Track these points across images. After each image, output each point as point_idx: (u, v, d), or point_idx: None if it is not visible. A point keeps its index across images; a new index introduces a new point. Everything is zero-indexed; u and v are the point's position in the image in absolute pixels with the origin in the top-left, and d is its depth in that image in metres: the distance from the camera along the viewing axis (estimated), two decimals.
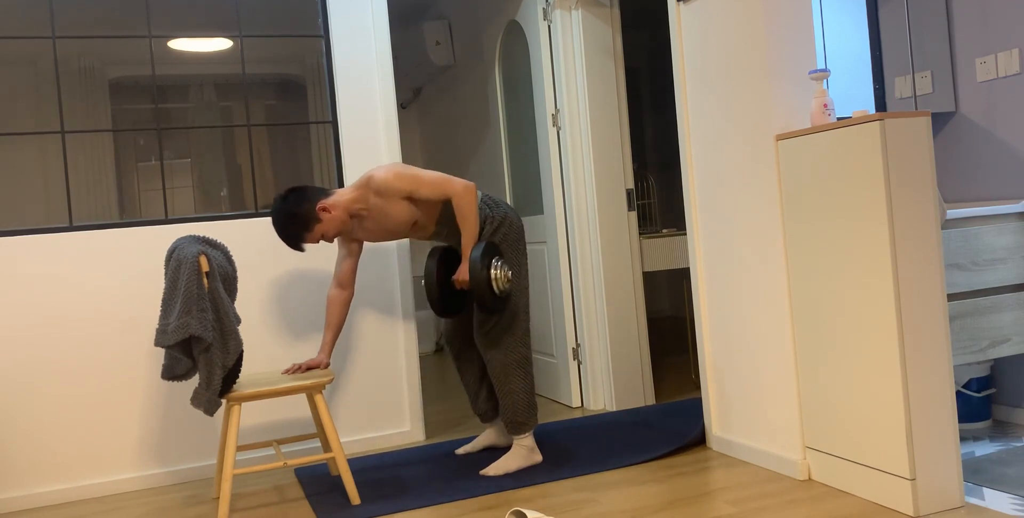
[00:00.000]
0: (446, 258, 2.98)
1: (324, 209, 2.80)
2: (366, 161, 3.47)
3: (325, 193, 2.84)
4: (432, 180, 2.82)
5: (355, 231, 2.93)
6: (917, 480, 2.28)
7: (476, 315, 2.94)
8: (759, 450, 2.81)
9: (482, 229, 2.92)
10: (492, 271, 2.78)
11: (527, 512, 2.28)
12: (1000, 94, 3.08)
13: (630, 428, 3.38)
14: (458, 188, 2.82)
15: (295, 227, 2.79)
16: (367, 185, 2.83)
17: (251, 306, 3.29)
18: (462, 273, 2.85)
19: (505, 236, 2.93)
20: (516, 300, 2.94)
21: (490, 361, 2.93)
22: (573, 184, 3.78)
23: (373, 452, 3.39)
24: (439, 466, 3.08)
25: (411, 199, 2.84)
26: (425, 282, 2.93)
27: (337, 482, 2.98)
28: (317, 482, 3.01)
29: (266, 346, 3.32)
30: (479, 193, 2.99)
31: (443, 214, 2.92)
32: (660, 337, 5.91)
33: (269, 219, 3.32)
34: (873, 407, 2.36)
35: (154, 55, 3.26)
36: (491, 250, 2.82)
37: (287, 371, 2.90)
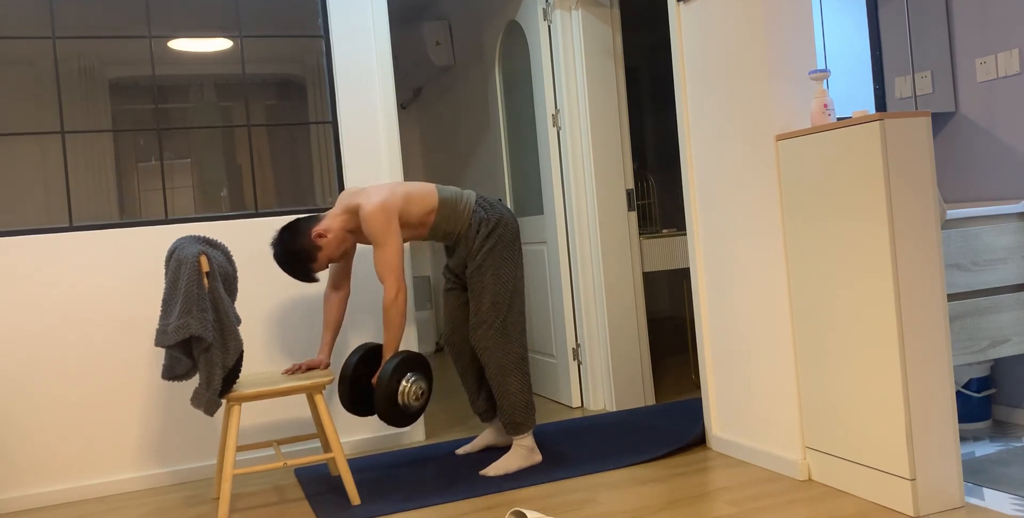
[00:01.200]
0: (368, 357, 2.93)
1: (320, 235, 2.82)
2: (366, 161, 3.47)
3: (316, 219, 2.87)
4: (388, 258, 2.76)
5: (355, 241, 2.97)
6: (917, 480, 2.28)
7: (472, 316, 2.94)
8: (759, 450, 2.81)
9: (477, 230, 2.92)
10: (402, 384, 2.75)
11: (527, 512, 2.28)
12: (1000, 94, 3.09)
13: (630, 428, 3.38)
14: (392, 290, 2.75)
15: (300, 262, 2.83)
16: (355, 212, 2.85)
17: (251, 306, 3.29)
18: (375, 377, 2.81)
19: (500, 237, 2.93)
20: (512, 301, 2.94)
21: (486, 362, 2.93)
22: (573, 184, 3.78)
23: (373, 452, 3.39)
24: (439, 466, 3.07)
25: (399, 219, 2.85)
26: (340, 376, 2.88)
27: (337, 482, 2.98)
28: (317, 482, 3.01)
29: (266, 346, 3.32)
30: (473, 194, 2.99)
31: (436, 223, 2.92)
32: (660, 337, 5.91)
33: (269, 219, 3.32)
34: (873, 407, 2.36)
35: (154, 55, 3.26)
36: (408, 363, 2.78)
37: (287, 371, 2.91)
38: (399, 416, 2.79)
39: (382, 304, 2.81)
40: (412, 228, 2.92)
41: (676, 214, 6.19)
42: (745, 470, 2.79)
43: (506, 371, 2.92)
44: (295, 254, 2.81)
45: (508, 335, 2.92)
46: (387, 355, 2.80)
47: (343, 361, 3.41)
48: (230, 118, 3.36)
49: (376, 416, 2.79)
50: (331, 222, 2.86)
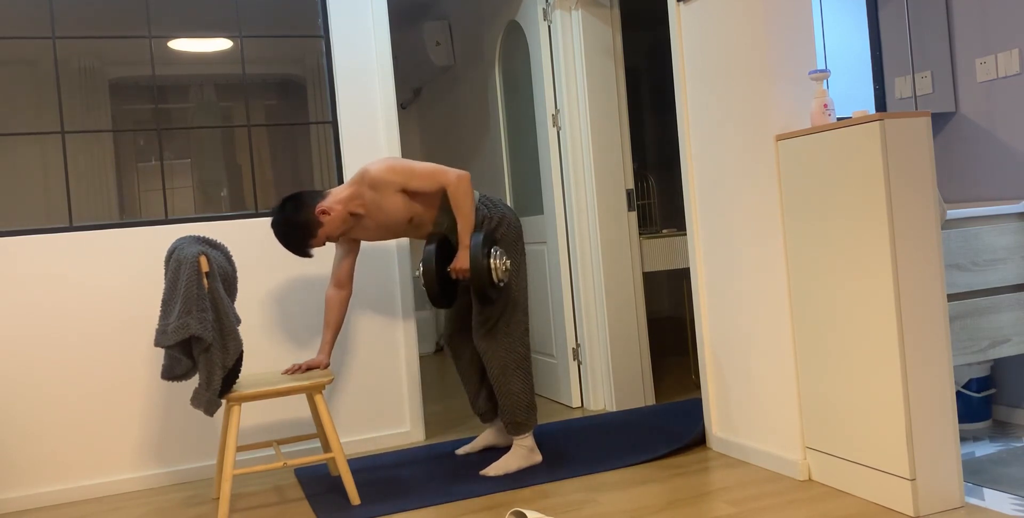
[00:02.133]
0: (444, 246, 2.92)
1: (323, 212, 2.80)
2: (366, 161, 3.47)
3: (321, 195, 2.84)
4: (425, 171, 2.81)
5: (354, 231, 2.92)
6: (917, 480, 2.28)
7: (475, 315, 2.93)
8: (759, 450, 2.81)
9: (479, 228, 2.92)
10: (491, 261, 2.77)
11: (527, 512, 2.28)
12: (1000, 94, 3.08)
13: (630, 428, 3.38)
14: (452, 177, 2.81)
15: (298, 235, 2.79)
16: (361, 180, 2.82)
17: (251, 306, 3.29)
18: (460, 261, 2.82)
19: (503, 236, 2.93)
20: (515, 300, 2.94)
21: (489, 361, 2.93)
22: (573, 184, 3.78)
23: (373, 452, 3.39)
24: (439, 466, 3.07)
25: (406, 192, 2.83)
26: (423, 269, 2.83)
27: (337, 482, 2.98)
28: (317, 482, 3.01)
29: (266, 346, 3.32)
30: (476, 193, 2.99)
31: (441, 210, 2.92)
32: (660, 337, 5.91)
33: (269, 219, 3.32)
34: (873, 407, 2.36)
35: (154, 55, 3.26)
36: (490, 239, 2.81)
37: (287, 371, 2.90)
38: (495, 292, 2.80)
39: (449, 195, 2.82)
40: (420, 222, 2.91)
41: (676, 214, 6.19)
42: (745, 470, 2.79)
43: (508, 371, 2.92)
44: (295, 226, 2.78)
45: (511, 334, 2.92)
46: (464, 237, 2.82)
47: (346, 362, 3.41)
48: (230, 118, 3.36)
49: (474, 296, 2.78)
50: (335, 198, 2.83)
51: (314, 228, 2.79)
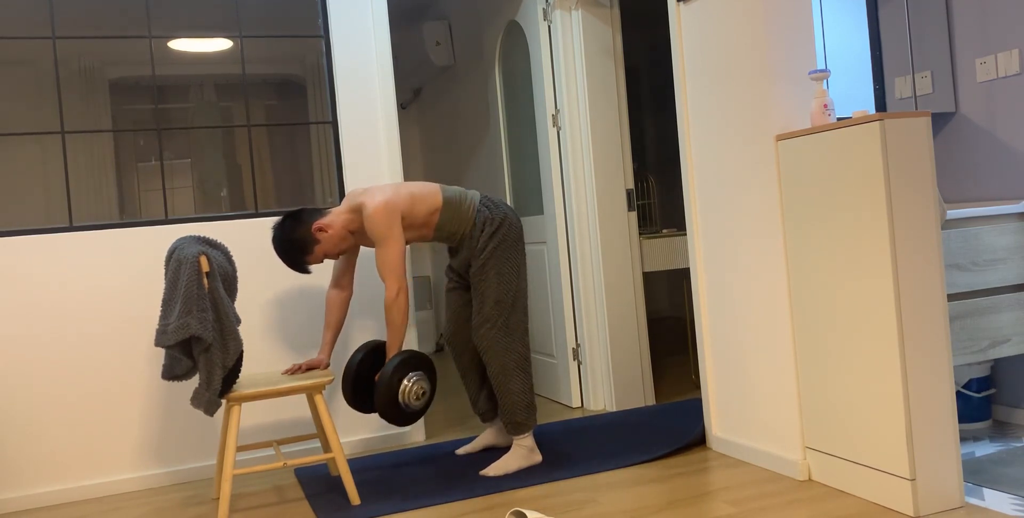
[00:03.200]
0: (373, 354, 2.93)
1: (320, 229, 2.82)
2: (366, 161, 3.47)
3: (321, 213, 2.86)
4: (390, 259, 2.77)
5: (356, 242, 2.96)
6: (917, 480, 2.28)
7: (475, 316, 2.94)
8: (759, 450, 2.81)
9: (482, 230, 2.92)
10: (404, 382, 2.76)
11: (527, 512, 2.28)
12: (1000, 94, 3.08)
13: (630, 428, 3.38)
14: (393, 290, 2.76)
15: (295, 251, 2.82)
16: (359, 211, 2.85)
17: (251, 306, 3.29)
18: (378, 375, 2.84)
19: (504, 237, 2.93)
20: (515, 300, 2.94)
21: (489, 362, 2.93)
22: (573, 184, 3.78)
23: (373, 452, 3.39)
24: (439, 466, 3.07)
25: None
26: (344, 373, 2.87)
27: (337, 482, 2.98)
28: (317, 482, 3.01)
29: (266, 346, 3.32)
30: (477, 193, 2.99)
31: (440, 224, 2.92)
32: (660, 337, 5.91)
33: (269, 219, 3.33)
34: (873, 407, 2.36)
35: (154, 55, 3.26)
36: (411, 363, 2.79)
37: (287, 371, 2.91)
38: (400, 415, 2.79)
39: (384, 304, 2.81)
40: (416, 229, 2.92)
41: (676, 214, 6.19)
42: (745, 470, 2.79)
43: (508, 371, 2.92)
44: (292, 243, 2.81)
45: (511, 334, 2.92)
46: (390, 354, 2.81)
47: (346, 359, 3.41)
48: (230, 118, 3.36)
49: (378, 414, 2.79)
50: (334, 219, 2.86)
51: (311, 245, 2.82)
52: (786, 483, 2.62)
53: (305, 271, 2.88)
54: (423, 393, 2.82)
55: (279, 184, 3.42)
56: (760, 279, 2.75)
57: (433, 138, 6.18)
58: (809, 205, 2.52)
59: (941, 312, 2.32)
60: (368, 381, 2.93)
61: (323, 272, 3.39)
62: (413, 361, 2.81)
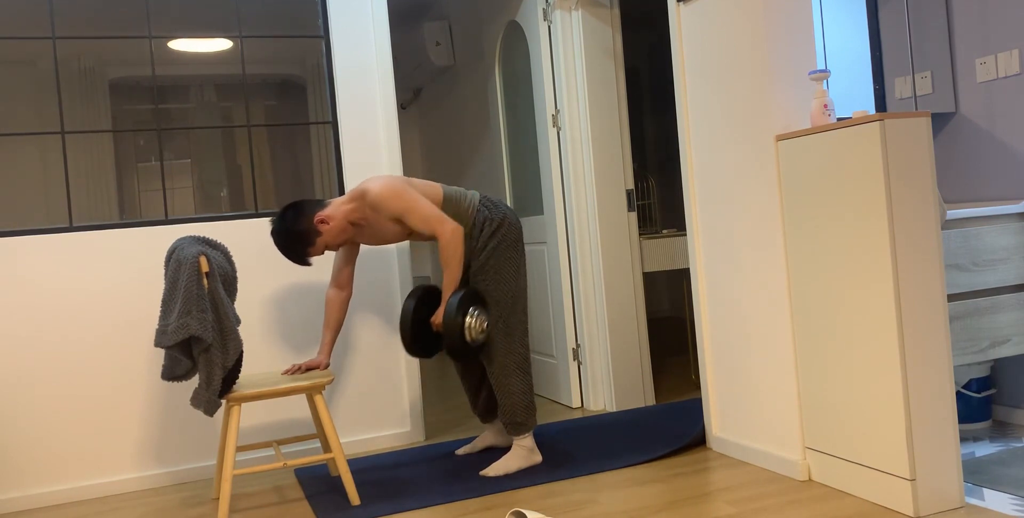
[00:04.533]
0: (426, 298, 2.96)
1: (322, 221, 2.82)
2: (366, 161, 3.47)
3: (321, 205, 2.86)
4: (424, 214, 2.79)
5: (355, 236, 2.94)
6: (917, 480, 2.28)
7: None
8: (759, 450, 2.81)
9: (481, 230, 2.92)
10: (467, 319, 2.77)
11: (527, 512, 2.28)
12: (1000, 94, 3.08)
13: (630, 428, 3.38)
14: (447, 231, 2.79)
15: (297, 244, 2.81)
16: (362, 198, 2.83)
17: (251, 307, 3.29)
18: (438, 316, 2.86)
19: (504, 237, 2.93)
20: (515, 301, 2.94)
21: (489, 362, 2.93)
22: (573, 184, 3.78)
23: (373, 452, 3.39)
24: (439, 466, 3.08)
25: (401, 221, 2.85)
26: (400, 321, 2.88)
27: (337, 483, 2.98)
28: (317, 482, 3.01)
29: (266, 347, 3.32)
30: (477, 194, 2.99)
31: (447, 213, 2.92)
32: (660, 337, 5.91)
33: (269, 219, 3.32)
34: (873, 407, 2.36)
35: (154, 55, 3.26)
36: (470, 298, 2.81)
37: (287, 372, 2.91)
38: (467, 351, 2.81)
39: (439, 247, 2.82)
40: (417, 235, 2.92)
41: (676, 214, 6.19)
42: (745, 470, 2.79)
43: (508, 371, 2.92)
44: (294, 235, 2.80)
45: (511, 335, 2.92)
46: (447, 292, 2.82)
47: (346, 363, 3.41)
48: (230, 118, 3.36)
49: (446, 352, 2.80)
50: (335, 210, 2.85)
51: (312, 237, 2.81)
52: (786, 483, 2.62)
53: (306, 263, 2.87)
54: (486, 327, 2.84)
55: (279, 184, 3.42)
56: (760, 279, 2.74)
57: (433, 138, 6.18)
58: (809, 205, 2.52)
59: (941, 312, 2.32)
60: (425, 326, 2.94)
61: (323, 272, 3.39)
62: (471, 296, 2.82)
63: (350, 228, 2.88)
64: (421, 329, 2.93)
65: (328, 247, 2.86)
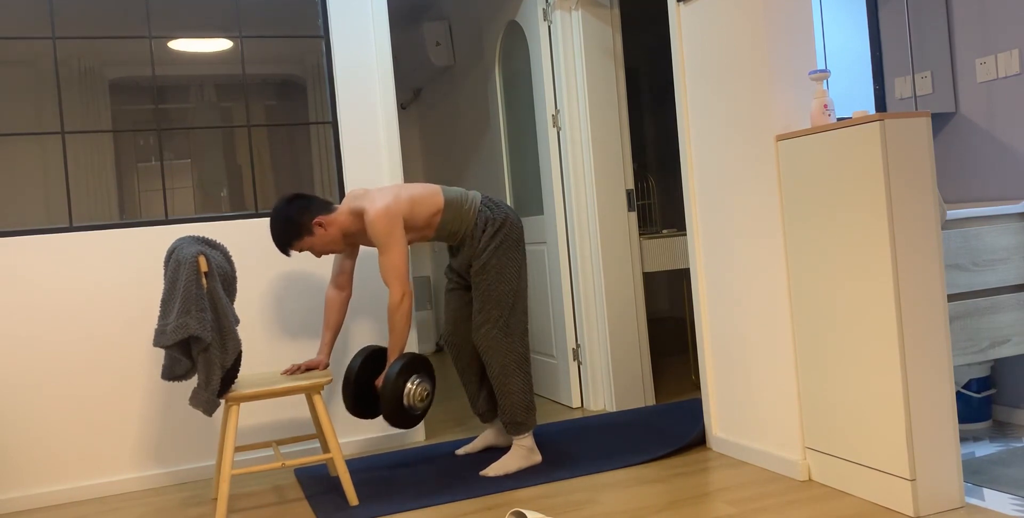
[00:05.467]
0: (370, 360, 2.94)
1: (320, 224, 2.83)
2: (366, 161, 3.47)
3: (328, 209, 2.86)
4: (394, 263, 2.78)
5: (351, 244, 2.97)
6: (917, 480, 2.28)
7: (475, 316, 2.94)
8: (759, 450, 2.81)
9: (483, 230, 2.92)
10: (408, 385, 2.77)
11: (527, 512, 2.28)
12: (1000, 94, 3.08)
13: (630, 428, 3.37)
14: (397, 294, 2.78)
15: (287, 233, 2.83)
16: (359, 215, 2.86)
17: (250, 307, 3.29)
18: (379, 379, 2.86)
19: (506, 237, 2.94)
20: (515, 301, 2.94)
21: (489, 362, 2.93)
22: (573, 184, 3.78)
23: (373, 452, 3.39)
24: (439, 466, 3.07)
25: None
26: (344, 379, 2.88)
27: (337, 483, 2.98)
28: (316, 483, 3.01)
29: (265, 346, 3.32)
30: (479, 194, 2.99)
31: (443, 224, 2.93)
32: (660, 337, 5.91)
33: (269, 220, 3.32)
34: (873, 407, 2.36)
35: (154, 55, 3.26)
36: (414, 365, 2.81)
37: (286, 372, 2.91)
38: (404, 417, 2.81)
39: (387, 308, 2.82)
40: (418, 230, 2.93)
41: (676, 214, 6.19)
42: (745, 470, 2.78)
43: (508, 371, 2.92)
44: (289, 223, 2.81)
45: (511, 335, 2.92)
46: (392, 357, 2.82)
47: (346, 363, 3.41)
48: (230, 118, 3.36)
49: (379, 418, 2.81)
50: (336, 217, 2.86)
51: (303, 233, 2.83)
52: (786, 483, 2.62)
53: (286, 253, 2.88)
54: (427, 395, 2.84)
55: (279, 184, 3.42)
56: (760, 279, 2.74)
57: (433, 138, 6.18)
58: (809, 205, 2.52)
59: (941, 312, 2.32)
60: (368, 388, 2.93)
61: (323, 271, 3.39)
62: (415, 364, 2.82)
63: (340, 241, 2.90)
64: (364, 390, 2.92)
65: (312, 249, 2.87)
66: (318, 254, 2.90)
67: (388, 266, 2.78)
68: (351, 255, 3.03)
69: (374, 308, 3.47)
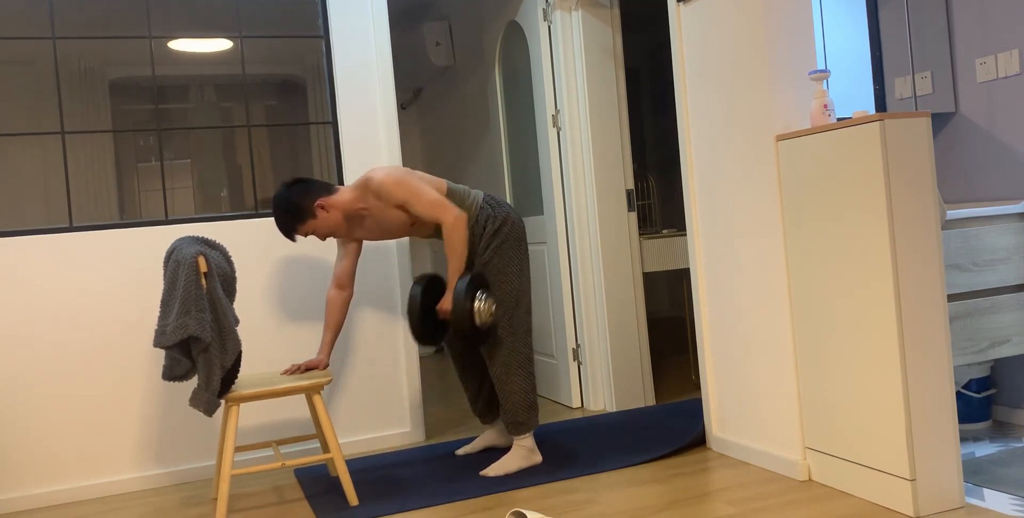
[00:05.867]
0: (431, 286, 2.97)
1: (322, 207, 2.82)
2: (366, 161, 3.47)
3: (329, 190, 2.86)
4: (428, 200, 2.80)
5: (354, 231, 2.93)
6: (917, 481, 2.28)
7: None
8: (759, 451, 2.81)
9: (484, 228, 2.92)
10: (476, 303, 2.77)
11: (527, 513, 2.28)
12: (1000, 95, 3.08)
13: (630, 429, 3.37)
14: (450, 218, 2.80)
15: (290, 217, 2.82)
16: (366, 186, 2.84)
17: (250, 307, 3.29)
18: (445, 303, 2.86)
19: (507, 236, 2.93)
20: (518, 300, 2.94)
21: (491, 361, 2.93)
22: (573, 184, 3.78)
23: (373, 453, 3.39)
24: (439, 467, 3.07)
25: (405, 209, 2.85)
26: (408, 308, 2.90)
27: (337, 483, 2.98)
28: (316, 483, 3.01)
29: (265, 347, 3.32)
30: (481, 192, 2.99)
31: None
32: (660, 337, 5.91)
33: (269, 220, 3.32)
34: (873, 407, 2.36)
35: (154, 56, 3.26)
36: (477, 282, 2.81)
37: (286, 372, 2.90)
38: (476, 334, 2.81)
39: (443, 235, 2.84)
40: (421, 223, 2.92)
41: (676, 214, 6.19)
42: (745, 470, 2.78)
43: (511, 370, 2.91)
44: (292, 205, 2.81)
45: (514, 334, 2.92)
46: (453, 278, 2.82)
47: (346, 363, 3.41)
48: (230, 118, 3.36)
49: (440, 353, 2.83)
50: (339, 198, 2.85)
51: (306, 216, 2.82)
52: (786, 483, 2.62)
53: (291, 239, 2.89)
54: (495, 309, 2.84)
55: (279, 184, 3.42)
56: (760, 279, 2.74)
57: (433, 138, 6.18)
58: (809, 205, 2.52)
59: (941, 312, 2.32)
60: (432, 313, 2.95)
61: (323, 270, 3.39)
62: (477, 280, 2.82)
63: (344, 224, 2.88)
64: (428, 316, 2.94)
65: (316, 233, 2.86)
66: (321, 237, 2.89)
67: (426, 205, 2.80)
68: (352, 255, 3.02)
69: (375, 308, 3.46)
